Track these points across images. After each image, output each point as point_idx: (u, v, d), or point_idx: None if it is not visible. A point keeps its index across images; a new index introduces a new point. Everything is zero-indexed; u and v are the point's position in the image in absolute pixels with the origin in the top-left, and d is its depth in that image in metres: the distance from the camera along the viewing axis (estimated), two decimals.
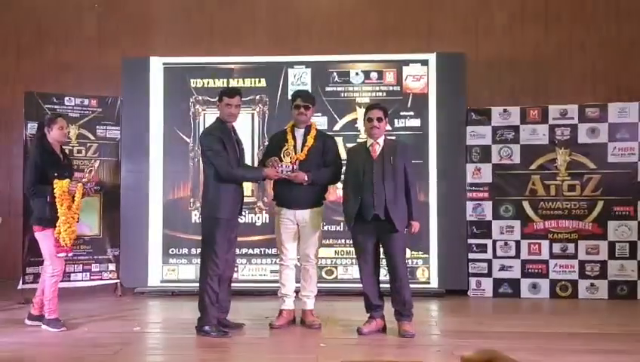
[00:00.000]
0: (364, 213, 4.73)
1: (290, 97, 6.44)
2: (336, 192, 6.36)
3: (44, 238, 4.90)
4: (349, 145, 6.13)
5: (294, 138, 5.00)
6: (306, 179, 4.84)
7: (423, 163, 6.52)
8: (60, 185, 4.81)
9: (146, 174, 6.70)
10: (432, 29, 7.36)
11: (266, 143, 5.36)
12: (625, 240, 6.40)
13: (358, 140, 6.43)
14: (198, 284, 4.87)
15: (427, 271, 6.56)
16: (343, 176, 5.11)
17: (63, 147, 5.32)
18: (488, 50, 7.29)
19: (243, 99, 6.58)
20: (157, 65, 6.79)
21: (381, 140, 4.86)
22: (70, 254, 5.02)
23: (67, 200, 4.83)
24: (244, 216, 6.45)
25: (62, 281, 5.20)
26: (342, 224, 6.43)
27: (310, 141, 4.97)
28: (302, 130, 5.03)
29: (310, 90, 6.11)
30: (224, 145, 4.73)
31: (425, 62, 6.68)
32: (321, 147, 4.99)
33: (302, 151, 4.94)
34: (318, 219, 5.04)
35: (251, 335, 4.84)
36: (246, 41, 7.43)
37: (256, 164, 5.92)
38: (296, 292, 5.14)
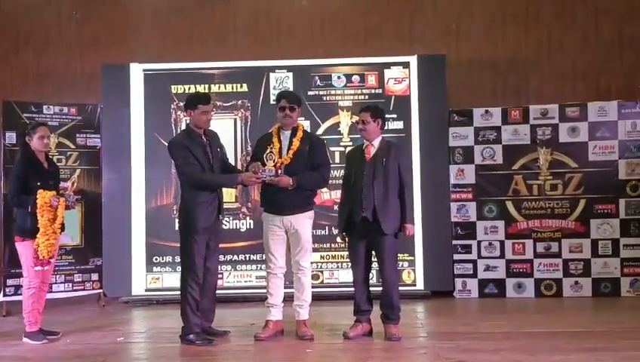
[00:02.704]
0: (354, 215, 4.70)
1: (273, 100, 6.42)
2: (321, 196, 6.34)
3: (23, 249, 4.83)
4: (332, 149, 6.14)
5: (280, 141, 4.80)
6: (291, 183, 4.64)
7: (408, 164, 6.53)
8: (42, 196, 4.73)
9: (128, 182, 6.65)
10: (413, 31, 7.37)
11: (253, 147, 5.19)
12: (607, 237, 6.45)
13: (342, 144, 6.44)
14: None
15: (413, 274, 6.57)
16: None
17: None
18: (469, 51, 7.31)
19: (225, 104, 6.62)
20: (137, 72, 6.75)
21: (376, 142, 4.81)
22: (47, 268, 4.89)
23: (48, 211, 4.74)
24: (227, 221, 6.40)
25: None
26: (327, 228, 6.43)
27: (296, 144, 4.75)
28: (288, 133, 4.81)
29: None
30: (191, 152, 4.65)
31: (406, 65, 6.72)
32: (308, 149, 4.76)
33: (287, 154, 4.74)
34: (308, 224, 4.82)
35: (237, 343, 4.79)
36: (227, 46, 7.39)
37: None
38: (286, 300, 4.94)
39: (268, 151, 4.74)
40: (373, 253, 4.81)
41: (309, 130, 6.46)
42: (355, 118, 5.09)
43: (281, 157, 4.75)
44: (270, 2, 7.53)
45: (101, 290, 6.64)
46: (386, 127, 6.51)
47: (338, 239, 5.08)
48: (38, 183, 4.79)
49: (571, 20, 7.30)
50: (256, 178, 4.67)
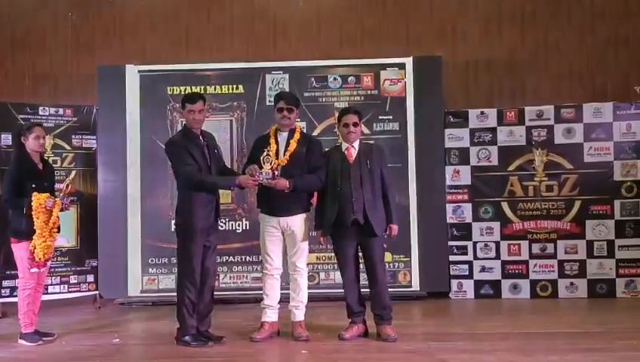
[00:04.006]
0: (344, 218, 4.68)
1: (269, 101, 6.41)
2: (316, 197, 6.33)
3: (18, 251, 4.82)
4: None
5: (277, 142, 4.78)
6: (288, 186, 4.63)
7: (402, 166, 6.54)
8: (37, 198, 4.72)
9: (124, 183, 6.64)
10: (409, 32, 7.38)
11: (250, 148, 5.18)
12: (602, 238, 6.46)
13: (337, 144, 6.41)
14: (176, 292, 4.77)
15: (408, 275, 6.57)
16: None
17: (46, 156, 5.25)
18: (465, 52, 7.32)
19: (221, 105, 6.59)
20: (133, 73, 6.74)
21: (356, 144, 4.83)
22: (42, 269, 4.88)
23: (43, 213, 4.74)
24: (223, 222, 6.39)
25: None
26: None
27: (293, 145, 4.74)
28: (285, 134, 4.80)
29: None
30: (189, 153, 4.62)
31: (402, 66, 6.72)
32: (305, 151, 4.75)
33: (284, 156, 4.74)
34: (305, 226, 4.80)
35: (233, 344, 4.77)
36: (224, 47, 7.39)
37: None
38: (282, 301, 4.94)
39: (265, 153, 4.69)
40: (360, 254, 4.81)
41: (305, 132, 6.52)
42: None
43: (277, 158, 4.74)
44: (267, 4, 7.53)
45: (97, 292, 6.63)
46: (381, 128, 6.62)
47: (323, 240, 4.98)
48: (33, 185, 4.78)
49: (567, 21, 7.33)
50: (253, 181, 4.64)
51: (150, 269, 6.61)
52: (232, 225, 6.60)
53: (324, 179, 4.81)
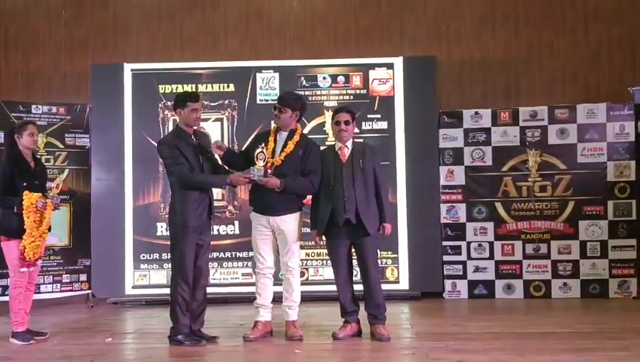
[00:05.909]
0: (336, 217, 4.68)
1: (260, 100, 6.59)
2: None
3: (8, 249, 4.79)
4: None
5: (275, 141, 4.79)
6: (278, 185, 4.61)
7: (390, 164, 6.56)
8: (28, 197, 4.70)
9: (117, 182, 6.65)
10: (404, 32, 7.39)
11: (249, 141, 5.20)
12: (596, 239, 6.49)
13: (327, 143, 6.42)
14: (169, 291, 4.74)
15: (396, 271, 6.59)
16: None
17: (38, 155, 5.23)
18: (459, 52, 7.34)
19: (212, 104, 6.67)
20: (125, 72, 6.75)
21: (349, 143, 4.83)
22: (32, 269, 4.85)
23: (34, 213, 4.71)
24: (214, 221, 6.41)
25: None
26: None
27: (290, 147, 4.71)
28: (285, 134, 4.78)
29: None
30: (182, 152, 4.62)
31: (390, 66, 6.75)
32: (301, 154, 4.72)
33: (279, 156, 4.71)
34: (296, 225, 4.77)
35: (226, 343, 4.76)
36: (218, 47, 7.39)
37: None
38: (275, 300, 4.92)
39: (259, 150, 4.66)
40: (354, 253, 4.82)
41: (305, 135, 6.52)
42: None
43: (273, 157, 4.72)
44: (261, 4, 7.53)
45: (89, 291, 6.60)
46: (370, 127, 6.64)
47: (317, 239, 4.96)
48: (24, 183, 4.76)
49: (561, 22, 7.35)
50: (244, 178, 4.64)
51: (142, 265, 6.62)
52: (222, 222, 6.61)
53: (317, 185, 4.77)
